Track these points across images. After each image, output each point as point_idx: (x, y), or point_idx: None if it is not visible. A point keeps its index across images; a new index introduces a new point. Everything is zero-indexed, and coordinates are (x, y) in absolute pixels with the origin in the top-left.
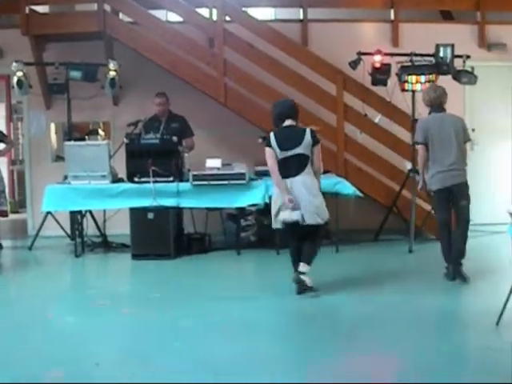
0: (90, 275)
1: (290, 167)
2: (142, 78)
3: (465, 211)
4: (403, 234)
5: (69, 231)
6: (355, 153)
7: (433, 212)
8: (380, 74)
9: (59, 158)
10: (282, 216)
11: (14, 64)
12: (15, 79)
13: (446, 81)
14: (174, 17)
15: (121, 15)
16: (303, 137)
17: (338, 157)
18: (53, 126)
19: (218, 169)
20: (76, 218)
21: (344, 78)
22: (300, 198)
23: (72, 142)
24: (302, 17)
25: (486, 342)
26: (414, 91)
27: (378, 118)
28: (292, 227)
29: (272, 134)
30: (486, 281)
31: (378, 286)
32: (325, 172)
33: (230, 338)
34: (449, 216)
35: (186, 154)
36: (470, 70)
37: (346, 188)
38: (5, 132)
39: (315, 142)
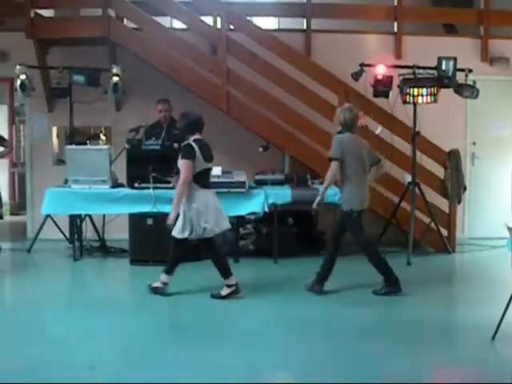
0: (87, 279)
1: (208, 178)
2: (144, 84)
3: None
4: (402, 246)
5: (68, 235)
6: None
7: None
8: (382, 86)
9: (60, 161)
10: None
11: (18, 67)
12: (18, 82)
13: (447, 94)
14: (178, 24)
15: (125, 21)
16: None
17: None
18: (55, 130)
19: (219, 177)
20: (75, 221)
21: (346, 88)
22: (215, 209)
23: (73, 146)
24: (305, 27)
25: (481, 355)
26: (415, 104)
27: (378, 130)
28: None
29: (195, 145)
30: (484, 295)
31: (374, 298)
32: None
33: (223, 345)
34: None
35: None
36: (471, 83)
37: None
38: (5, 136)
39: None
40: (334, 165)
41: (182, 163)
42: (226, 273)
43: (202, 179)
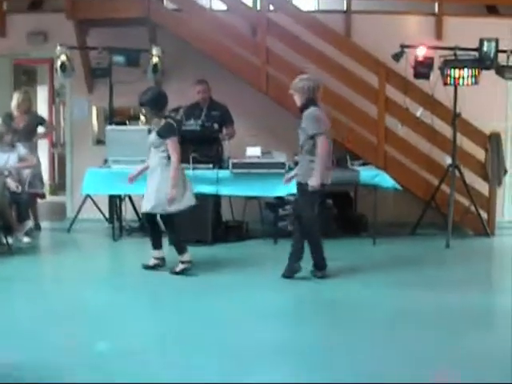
0: (127, 259)
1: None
2: (184, 65)
3: None
4: (441, 229)
5: (107, 215)
6: (395, 146)
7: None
8: (423, 68)
9: (100, 141)
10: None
11: (58, 48)
12: (59, 63)
13: (489, 76)
14: (217, 5)
15: (165, 2)
16: None
17: (378, 149)
18: (94, 110)
19: (258, 157)
20: (115, 201)
21: (386, 70)
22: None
23: (113, 127)
24: (345, 8)
25: None
26: (456, 85)
27: (419, 112)
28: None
29: (174, 123)
30: None
31: (413, 280)
32: (364, 164)
33: (257, 325)
34: None
35: (225, 142)
36: None
37: (385, 181)
38: (45, 117)
39: None
40: (324, 140)
41: (169, 142)
42: (181, 249)
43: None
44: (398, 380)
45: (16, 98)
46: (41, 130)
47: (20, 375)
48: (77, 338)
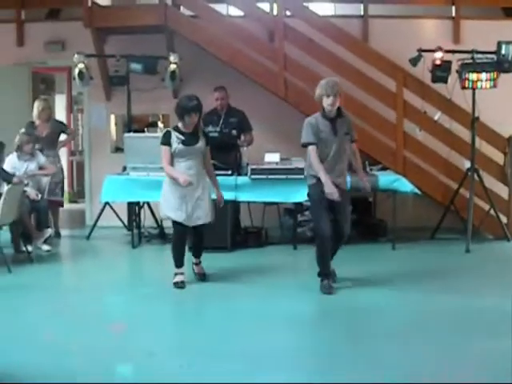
0: (146, 266)
1: None
2: (201, 72)
3: None
4: (460, 234)
5: (126, 222)
6: (414, 150)
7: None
8: (440, 71)
9: (118, 149)
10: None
11: (76, 56)
12: (76, 71)
13: (507, 79)
14: (234, 11)
15: (182, 9)
16: None
17: (397, 154)
18: (112, 118)
19: (277, 163)
20: (134, 209)
21: (404, 74)
22: None
23: (131, 134)
24: (362, 13)
25: None
26: (474, 89)
27: (437, 116)
28: None
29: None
30: None
31: (433, 285)
32: (383, 169)
33: (276, 332)
34: None
35: (244, 148)
36: None
37: (404, 185)
38: (65, 123)
39: None
40: (311, 149)
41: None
42: (174, 261)
43: None
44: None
45: (36, 107)
46: (63, 137)
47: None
48: (96, 347)
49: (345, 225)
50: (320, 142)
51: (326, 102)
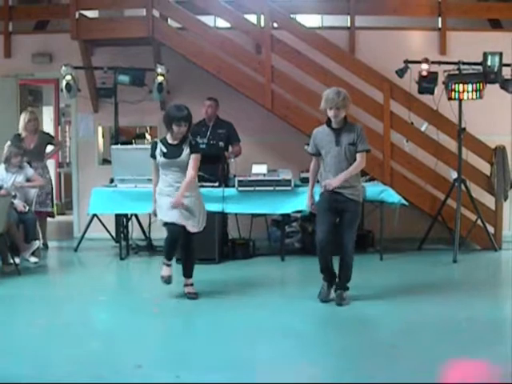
0: (134, 278)
1: None
2: (189, 84)
3: None
4: (448, 244)
5: (114, 234)
6: (401, 161)
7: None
8: (427, 83)
9: (106, 161)
10: None
11: (63, 68)
12: (64, 83)
13: (493, 90)
14: (222, 23)
15: (169, 21)
16: None
17: (384, 165)
18: (100, 130)
19: (264, 175)
20: (121, 220)
21: (391, 86)
22: None
23: (119, 146)
24: (349, 24)
25: None
26: (460, 100)
27: (424, 127)
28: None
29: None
30: None
31: (421, 296)
32: (370, 180)
33: (263, 343)
34: None
35: (231, 160)
36: None
37: (392, 196)
38: (52, 134)
39: None
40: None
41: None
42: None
43: None
44: None
45: (23, 119)
46: (50, 148)
47: None
48: (82, 359)
49: (344, 234)
50: (322, 152)
51: (329, 114)
